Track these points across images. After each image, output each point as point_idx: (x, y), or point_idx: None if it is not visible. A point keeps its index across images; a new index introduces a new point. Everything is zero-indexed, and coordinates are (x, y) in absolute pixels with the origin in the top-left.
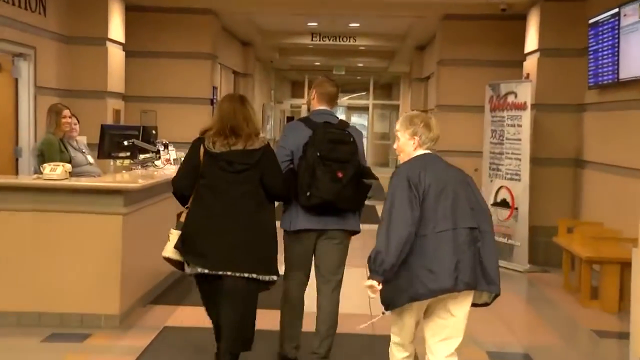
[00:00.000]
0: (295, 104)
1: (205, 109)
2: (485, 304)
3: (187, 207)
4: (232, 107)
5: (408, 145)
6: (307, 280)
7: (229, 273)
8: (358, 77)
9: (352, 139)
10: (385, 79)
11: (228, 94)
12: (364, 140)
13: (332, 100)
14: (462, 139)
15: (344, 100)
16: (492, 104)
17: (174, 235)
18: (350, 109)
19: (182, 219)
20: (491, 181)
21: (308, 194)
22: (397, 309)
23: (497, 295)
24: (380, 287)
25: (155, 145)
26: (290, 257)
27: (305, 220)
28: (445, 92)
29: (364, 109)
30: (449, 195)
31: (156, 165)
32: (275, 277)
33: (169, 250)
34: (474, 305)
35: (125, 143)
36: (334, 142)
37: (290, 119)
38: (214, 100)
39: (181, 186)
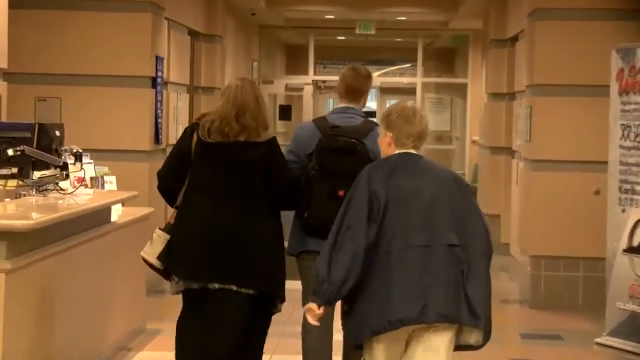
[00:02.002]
0: (294, 85)
1: (144, 94)
2: (478, 346)
3: (175, 207)
4: (242, 86)
5: (383, 144)
6: (330, 316)
7: (221, 286)
8: (398, 40)
9: (359, 148)
10: (444, 42)
11: (239, 78)
12: None
13: (352, 95)
14: (570, 141)
15: (374, 76)
16: (623, 83)
17: (159, 238)
18: (385, 91)
19: (172, 219)
20: (623, 211)
21: (306, 214)
22: (366, 346)
23: (487, 335)
24: (321, 311)
25: (60, 156)
26: (304, 287)
27: (307, 242)
28: (544, 64)
29: (407, 92)
30: (423, 203)
31: (62, 189)
32: (278, 300)
33: (150, 253)
34: (463, 347)
35: (10, 152)
36: (335, 153)
37: (284, 108)
38: (159, 80)
39: (166, 182)
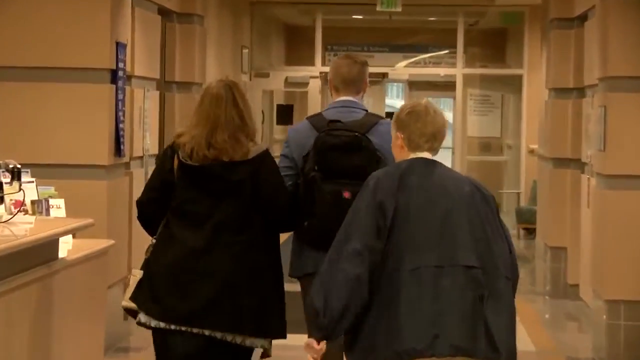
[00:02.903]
0: (295, 79)
1: (101, 92)
2: None
3: (154, 238)
4: (216, 97)
5: (395, 148)
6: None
7: (194, 331)
8: (431, 19)
9: (364, 143)
10: (492, 21)
11: (214, 85)
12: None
13: (351, 86)
14: None
15: (401, 66)
16: None
17: (137, 277)
18: (415, 86)
19: (147, 254)
20: None
21: (306, 223)
22: None
23: None
24: (321, 347)
25: None
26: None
27: (311, 259)
28: (621, 51)
29: (444, 86)
30: (438, 217)
31: None
32: (266, 343)
33: (127, 298)
34: None
35: None
36: (337, 150)
37: (284, 109)
38: (120, 74)
39: (145, 209)
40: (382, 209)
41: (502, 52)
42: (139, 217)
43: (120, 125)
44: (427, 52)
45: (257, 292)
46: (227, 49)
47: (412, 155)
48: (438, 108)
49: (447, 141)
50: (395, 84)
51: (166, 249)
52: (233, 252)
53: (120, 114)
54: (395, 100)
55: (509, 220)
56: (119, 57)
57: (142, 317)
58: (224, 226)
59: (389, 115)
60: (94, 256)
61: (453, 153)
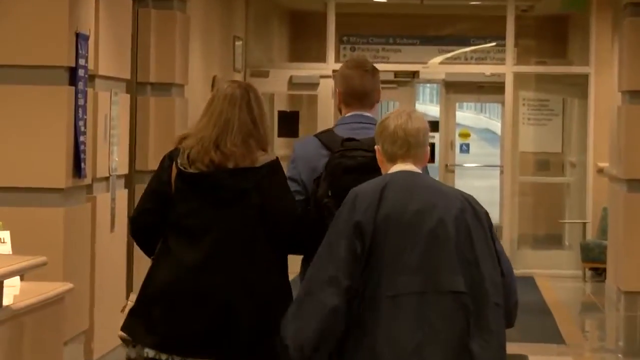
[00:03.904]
0: (302, 79)
1: (57, 95)
2: None
3: (152, 258)
4: (230, 97)
5: (379, 162)
6: None
7: None
8: (473, 3)
9: None
10: (549, 6)
11: (228, 84)
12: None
13: (363, 100)
14: None
15: (436, 63)
16: None
17: (132, 304)
18: (454, 87)
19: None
20: None
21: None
22: None
23: None
24: None
25: None
26: None
27: None
28: None
29: (489, 89)
30: (421, 237)
31: None
32: None
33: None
34: None
35: None
36: (353, 172)
37: (288, 116)
38: (81, 73)
39: (140, 225)
40: (360, 231)
41: (563, 46)
42: (133, 235)
43: (81, 138)
44: (468, 45)
45: (262, 317)
46: (216, 40)
47: (394, 168)
48: (416, 112)
49: (494, 158)
50: (429, 85)
51: (162, 268)
52: (235, 271)
53: (81, 123)
54: (428, 106)
55: (572, 257)
56: (79, 51)
57: (131, 353)
58: (225, 241)
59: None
60: (47, 304)
61: (502, 172)
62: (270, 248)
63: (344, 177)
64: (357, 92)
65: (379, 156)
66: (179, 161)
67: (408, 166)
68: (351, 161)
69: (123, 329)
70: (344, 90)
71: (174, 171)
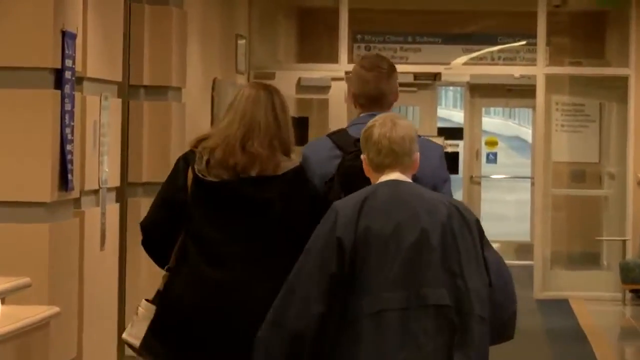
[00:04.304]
0: (312, 81)
1: (41, 100)
2: None
3: (167, 269)
4: (254, 97)
5: (366, 173)
6: None
7: None
8: None
9: None
10: (584, 2)
11: (253, 83)
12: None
13: (379, 102)
14: None
15: (460, 64)
16: None
17: (146, 314)
18: (479, 91)
19: (162, 286)
20: None
21: None
22: None
23: None
24: None
25: None
26: None
27: None
28: None
29: (519, 92)
30: (403, 249)
31: None
32: None
33: (133, 334)
34: None
35: None
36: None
37: (296, 123)
38: (68, 75)
39: (152, 234)
40: (341, 246)
41: (600, 45)
42: (144, 244)
43: (68, 147)
44: (495, 43)
45: None
46: (216, 39)
47: (381, 179)
48: (403, 118)
49: (525, 169)
50: (452, 88)
51: (179, 282)
52: (260, 287)
53: (68, 130)
54: (451, 111)
55: (610, 278)
56: (66, 51)
57: None
58: (249, 256)
59: (443, 131)
60: (30, 329)
61: (533, 184)
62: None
63: (357, 181)
64: (372, 95)
65: (365, 166)
66: (196, 167)
67: (394, 175)
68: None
69: (143, 348)
70: (358, 93)
71: (190, 176)
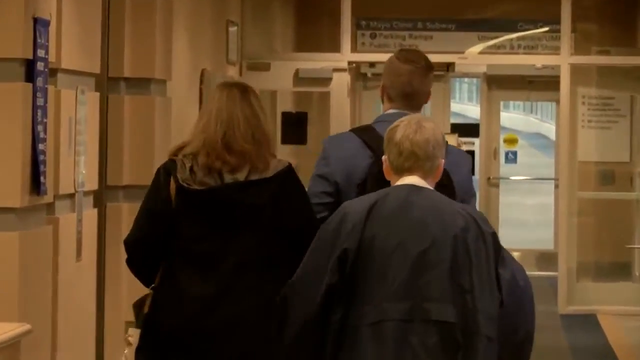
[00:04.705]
0: (311, 72)
1: (11, 94)
2: None
3: (152, 288)
4: (227, 101)
5: (386, 174)
6: None
7: None
8: None
9: (446, 175)
10: None
11: (222, 83)
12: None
13: (413, 100)
14: None
15: (475, 53)
16: None
17: (135, 337)
18: (497, 82)
19: (146, 308)
20: None
21: None
22: None
23: None
24: None
25: None
26: None
27: None
28: None
29: (541, 84)
30: (409, 258)
31: None
32: None
33: None
34: None
35: None
36: None
37: (294, 119)
38: (40, 67)
39: (137, 251)
40: (343, 256)
41: (631, 31)
42: (128, 262)
43: (40, 146)
44: (515, 30)
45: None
46: (205, 26)
47: (399, 182)
48: (430, 121)
49: (547, 169)
50: (467, 80)
51: (170, 304)
52: (260, 299)
53: (40, 128)
54: (466, 106)
55: None
56: (38, 40)
57: None
58: (244, 266)
59: (457, 128)
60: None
61: (556, 187)
62: (291, 273)
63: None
64: (404, 91)
65: (385, 168)
66: (179, 176)
67: (411, 179)
68: None
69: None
70: (390, 85)
71: (173, 187)
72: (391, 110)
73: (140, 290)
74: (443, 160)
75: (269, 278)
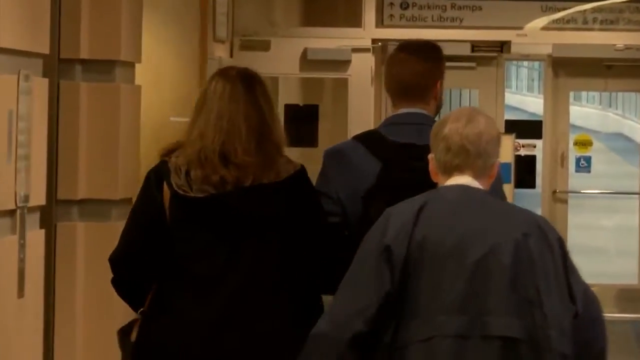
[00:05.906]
0: (323, 53)
1: None
2: None
3: (141, 312)
4: (228, 103)
5: (432, 174)
6: None
7: None
8: None
9: None
10: None
11: (221, 70)
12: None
13: (413, 94)
14: None
15: (537, 29)
16: None
17: None
18: (566, 66)
19: (134, 336)
20: None
21: None
22: None
23: None
24: None
25: None
26: None
27: None
28: None
29: (622, 70)
30: (466, 267)
31: None
32: None
33: None
34: None
35: None
36: (416, 190)
37: (301, 113)
38: None
39: (126, 269)
40: (390, 255)
41: None
42: (115, 283)
43: None
44: (588, 0)
45: None
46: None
47: (448, 183)
48: (483, 114)
49: (631, 181)
50: (526, 63)
51: (163, 331)
52: (267, 326)
53: None
54: (525, 97)
55: None
56: None
57: None
58: (249, 288)
59: (513, 126)
60: None
61: None
62: (308, 290)
63: (404, 196)
64: (401, 84)
65: (431, 167)
66: (174, 182)
67: (463, 179)
68: (416, 176)
69: None
70: (388, 79)
71: (167, 194)
72: (402, 111)
73: (101, 334)
74: (499, 161)
75: (277, 303)
